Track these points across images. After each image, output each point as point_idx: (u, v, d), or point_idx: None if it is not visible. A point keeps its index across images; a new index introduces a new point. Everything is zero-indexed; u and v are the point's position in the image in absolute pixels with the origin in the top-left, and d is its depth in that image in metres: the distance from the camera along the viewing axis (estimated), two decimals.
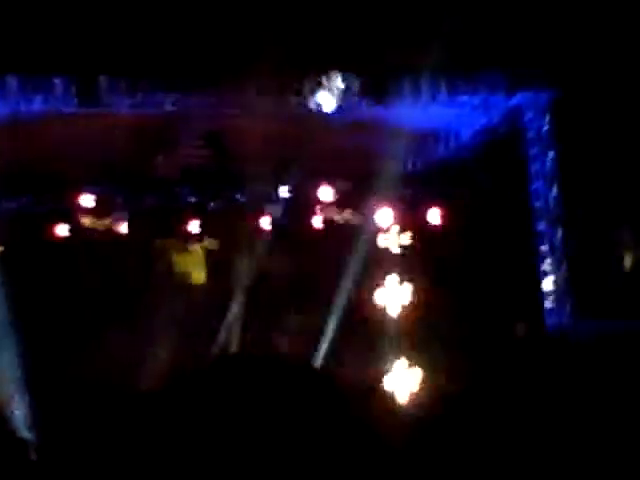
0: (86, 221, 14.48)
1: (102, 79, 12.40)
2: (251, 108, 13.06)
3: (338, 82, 13.35)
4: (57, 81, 12.29)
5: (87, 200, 14.32)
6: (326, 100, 13.30)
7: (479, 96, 13.50)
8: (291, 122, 13.51)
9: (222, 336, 15.08)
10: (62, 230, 14.55)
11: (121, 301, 14.84)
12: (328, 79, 13.31)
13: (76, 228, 14.50)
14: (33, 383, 13.04)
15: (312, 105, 13.26)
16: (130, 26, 12.52)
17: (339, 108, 13.30)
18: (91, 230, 14.62)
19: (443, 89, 13.34)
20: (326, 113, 13.27)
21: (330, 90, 13.30)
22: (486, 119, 14.24)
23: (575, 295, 14.46)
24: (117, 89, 12.45)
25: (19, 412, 12.25)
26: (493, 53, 13.25)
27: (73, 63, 12.30)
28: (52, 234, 14.50)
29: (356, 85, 13.19)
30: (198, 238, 15.27)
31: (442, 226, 15.52)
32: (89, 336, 14.59)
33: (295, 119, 13.50)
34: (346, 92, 13.31)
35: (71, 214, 14.37)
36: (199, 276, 15.57)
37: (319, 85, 13.28)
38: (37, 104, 12.39)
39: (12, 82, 12.18)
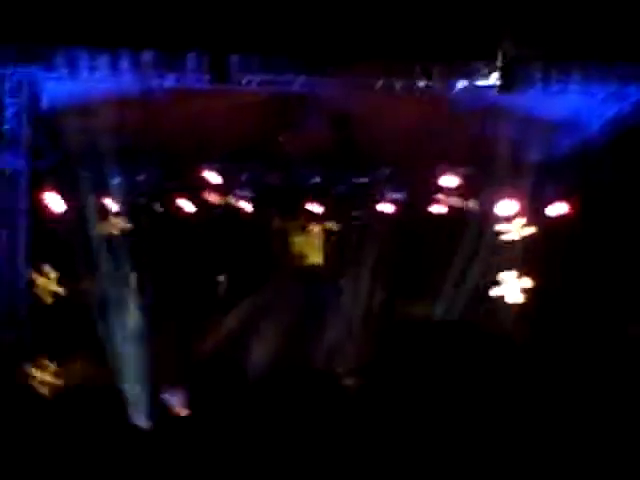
0: (211, 197, 14.60)
1: (234, 56, 12.48)
2: (380, 91, 13.03)
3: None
4: (190, 58, 12.42)
5: (212, 177, 14.44)
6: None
7: (611, 86, 13.21)
8: (418, 108, 13.43)
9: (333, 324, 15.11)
10: (188, 205, 14.69)
11: (240, 278, 15.00)
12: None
13: (201, 204, 14.64)
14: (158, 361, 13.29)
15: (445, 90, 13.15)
16: (263, 5, 12.59)
17: (469, 94, 13.17)
18: (215, 207, 14.76)
19: (576, 78, 13.10)
20: (456, 99, 13.16)
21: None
22: (616, 111, 13.94)
23: None
24: (248, 67, 12.54)
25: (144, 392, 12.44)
26: (628, 44, 12.96)
27: (206, 40, 12.43)
28: (178, 209, 14.66)
29: (490, 71, 13.03)
30: (319, 220, 15.28)
31: (566, 219, 15.23)
32: (209, 313, 14.77)
33: (422, 105, 13.42)
34: (476, 78, 13.18)
35: (197, 190, 14.50)
36: (316, 258, 15.59)
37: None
38: (169, 80, 12.56)
39: (146, 58, 12.36)
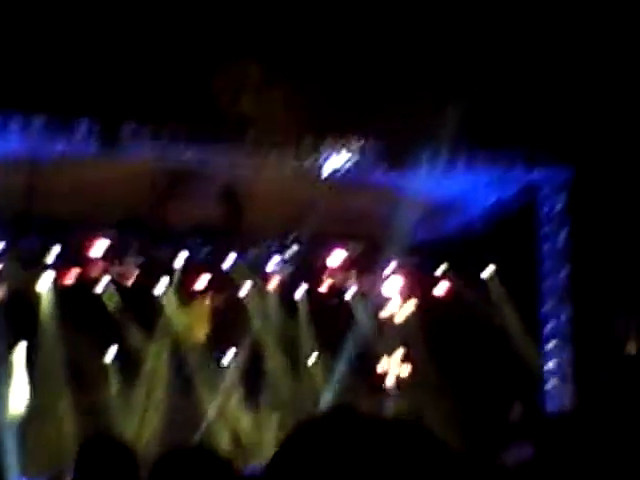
0: (97, 267, 14.34)
1: (125, 124, 12.42)
2: (268, 169, 13.11)
3: (355, 146, 13.41)
4: (81, 123, 12.31)
5: (100, 245, 14.20)
6: (338, 163, 13.34)
7: (497, 170, 13.56)
8: (305, 184, 13.54)
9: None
10: (71, 275, 14.38)
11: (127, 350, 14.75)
12: (345, 144, 13.37)
13: (85, 273, 14.36)
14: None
15: (327, 169, 13.32)
16: (157, 75, 12.62)
17: (353, 172, 13.35)
18: (99, 277, 14.49)
19: (461, 160, 13.41)
20: (341, 177, 13.32)
21: (346, 154, 13.35)
22: (499, 194, 14.29)
23: (577, 378, 14.40)
24: (140, 135, 12.47)
25: None
26: (513, 129, 13.37)
27: (97, 107, 12.36)
28: (61, 279, 14.34)
29: (372, 150, 13.24)
30: (205, 293, 15.15)
31: (447, 299, 15.46)
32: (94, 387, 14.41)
33: (310, 181, 13.53)
34: (362, 156, 13.37)
35: (82, 259, 14.22)
36: (200, 332, 15.42)
37: (336, 149, 13.33)
38: (59, 145, 12.40)
39: (36, 122, 12.20)
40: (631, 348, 15.24)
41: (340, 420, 1.48)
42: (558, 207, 14.01)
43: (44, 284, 14.22)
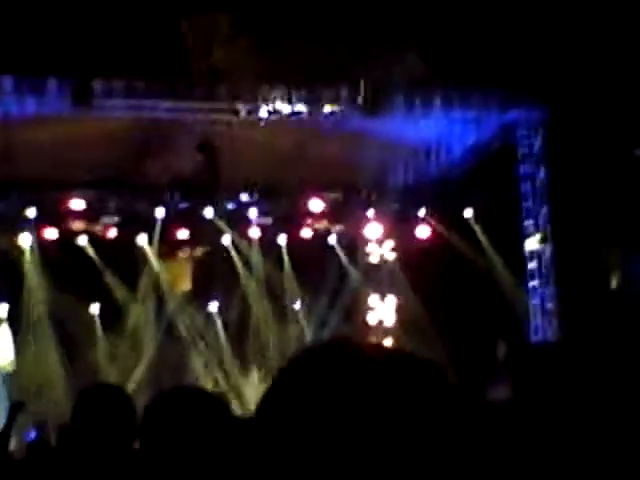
0: (75, 225, 14.32)
1: (96, 81, 12.31)
2: (242, 120, 13.03)
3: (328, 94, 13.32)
4: (51, 83, 12.20)
5: (77, 204, 14.17)
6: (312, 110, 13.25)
7: (473, 111, 13.50)
8: (281, 133, 13.48)
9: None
10: (51, 233, 14.37)
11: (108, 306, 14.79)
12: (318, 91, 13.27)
13: (64, 232, 14.34)
14: None
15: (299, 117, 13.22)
16: (126, 29, 12.48)
17: (332, 119, 13.28)
18: (79, 233, 14.47)
19: (437, 104, 13.34)
20: (319, 124, 13.25)
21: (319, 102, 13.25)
22: (477, 136, 14.24)
23: (561, 313, 14.48)
24: (112, 92, 12.37)
25: None
26: (488, 70, 13.28)
27: (68, 65, 12.23)
28: (42, 237, 14.33)
29: (348, 97, 13.15)
30: (186, 246, 15.14)
31: (429, 242, 15.46)
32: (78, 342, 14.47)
33: (285, 131, 13.47)
34: (339, 103, 13.28)
35: (60, 218, 14.20)
36: (184, 284, 15.43)
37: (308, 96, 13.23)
38: (30, 106, 12.30)
39: (6, 83, 12.09)
40: (614, 283, 15.30)
41: (340, 349, 1.35)
42: (536, 147, 13.98)
43: (25, 242, 14.24)
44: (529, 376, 2.48)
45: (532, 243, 14.39)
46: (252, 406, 12.60)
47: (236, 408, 13.59)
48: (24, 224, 14.13)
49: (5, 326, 14.26)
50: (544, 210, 14.23)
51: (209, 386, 14.04)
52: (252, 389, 14.59)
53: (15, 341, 14.31)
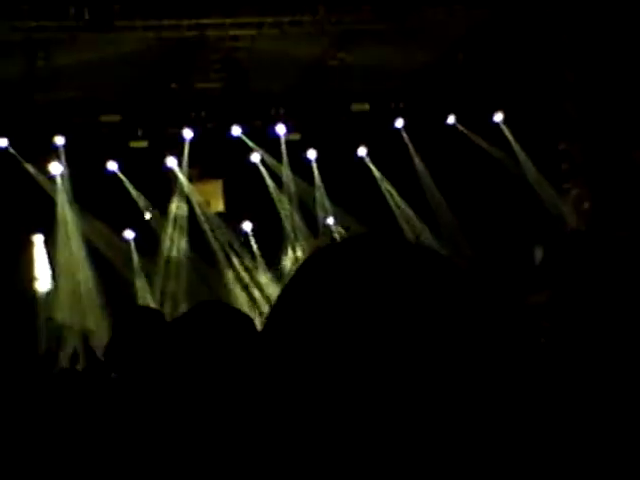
0: (104, 150, 14.25)
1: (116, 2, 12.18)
2: (265, 33, 12.87)
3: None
4: (70, 6, 12.08)
5: (105, 128, 14.10)
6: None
7: None
8: (308, 43, 13.29)
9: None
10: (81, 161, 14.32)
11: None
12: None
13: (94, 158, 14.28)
14: None
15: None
16: None
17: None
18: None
19: None
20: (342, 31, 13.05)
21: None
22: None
23: (594, 213, 14.35)
24: (131, 12, 12.23)
25: None
26: None
27: None
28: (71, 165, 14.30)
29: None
30: (216, 166, 15.05)
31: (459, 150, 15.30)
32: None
33: (313, 43, 13.30)
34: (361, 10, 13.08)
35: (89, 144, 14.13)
36: (216, 205, 15.38)
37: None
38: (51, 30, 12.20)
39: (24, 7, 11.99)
40: None
41: (368, 242, 1.23)
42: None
43: (56, 170, 14.23)
44: (567, 281, 2.44)
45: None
46: None
47: None
48: (53, 152, 14.11)
49: (43, 253, 14.38)
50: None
51: (245, 305, 14.10)
52: None
53: (52, 269, 14.44)
